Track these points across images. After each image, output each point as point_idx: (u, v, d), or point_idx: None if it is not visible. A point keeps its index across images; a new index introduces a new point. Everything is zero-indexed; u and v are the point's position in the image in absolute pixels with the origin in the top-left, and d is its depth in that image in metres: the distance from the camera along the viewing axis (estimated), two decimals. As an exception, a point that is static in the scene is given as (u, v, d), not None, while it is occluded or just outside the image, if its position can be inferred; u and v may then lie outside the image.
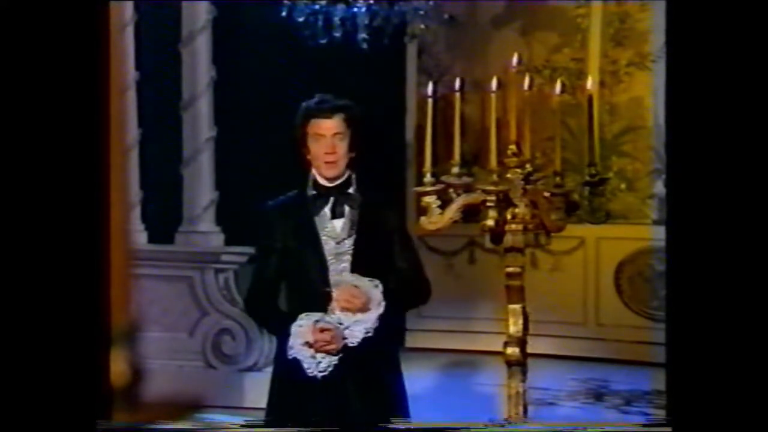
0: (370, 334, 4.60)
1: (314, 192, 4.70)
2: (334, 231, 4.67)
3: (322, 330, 4.56)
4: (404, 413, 4.68)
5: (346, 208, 4.68)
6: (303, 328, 4.59)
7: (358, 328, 4.60)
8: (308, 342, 4.57)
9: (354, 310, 4.58)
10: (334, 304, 4.60)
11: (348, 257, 4.66)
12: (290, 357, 4.61)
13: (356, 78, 8.68)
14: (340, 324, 4.59)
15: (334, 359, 4.59)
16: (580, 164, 4.35)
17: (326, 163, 4.65)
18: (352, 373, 4.62)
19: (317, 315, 4.59)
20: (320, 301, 4.63)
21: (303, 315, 4.60)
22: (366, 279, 4.62)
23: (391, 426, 4.35)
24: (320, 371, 4.60)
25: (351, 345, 4.59)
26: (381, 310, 4.60)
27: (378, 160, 5.46)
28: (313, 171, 4.70)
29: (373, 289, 4.61)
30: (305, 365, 4.59)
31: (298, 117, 4.70)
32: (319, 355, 4.58)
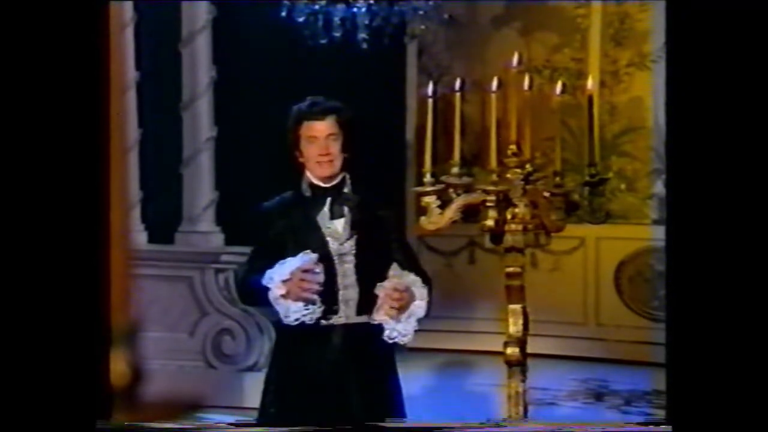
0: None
1: (310, 193, 4.70)
2: (336, 231, 4.67)
3: (306, 270, 4.52)
4: (400, 413, 4.68)
5: (345, 209, 4.69)
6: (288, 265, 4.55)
7: (410, 322, 4.58)
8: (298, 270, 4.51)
9: (401, 308, 4.55)
10: (380, 312, 4.59)
11: (351, 258, 4.66)
12: (273, 301, 4.54)
13: (356, 78, 8.68)
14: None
15: (321, 307, 4.55)
16: (580, 164, 4.35)
17: (319, 163, 4.65)
18: (349, 372, 4.62)
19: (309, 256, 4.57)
20: (329, 301, 4.62)
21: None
22: (404, 272, 4.61)
23: (388, 426, 4.36)
24: (311, 320, 4.55)
25: (401, 342, 4.58)
26: (426, 295, 4.59)
27: (373, 160, 5.46)
28: (307, 174, 4.71)
29: (414, 279, 4.60)
30: (293, 313, 4.53)
31: (290, 121, 4.71)
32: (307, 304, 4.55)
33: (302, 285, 4.51)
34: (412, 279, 4.62)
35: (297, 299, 4.52)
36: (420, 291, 4.61)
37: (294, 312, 4.54)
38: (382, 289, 4.57)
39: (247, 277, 4.69)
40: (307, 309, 4.55)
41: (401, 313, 4.56)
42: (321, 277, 4.55)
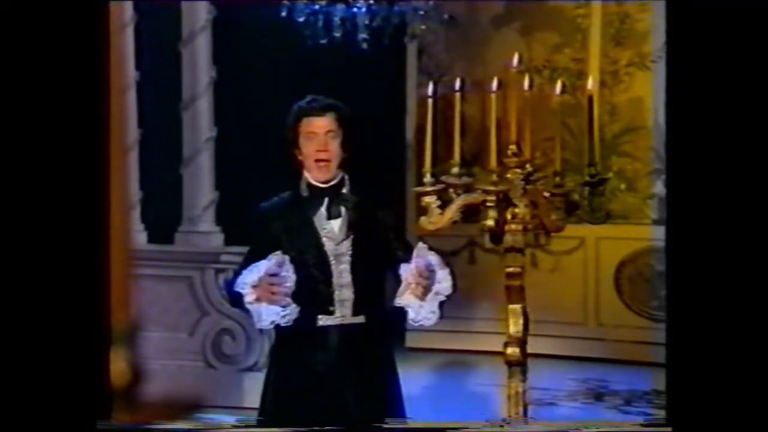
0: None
1: (308, 193, 4.69)
2: (333, 232, 4.66)
3: (274, 274, 4.50)
4: (399, 413, 4.67)
5: (342, 209, 4.68)
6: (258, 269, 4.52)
7: (435, 303, 4.53)
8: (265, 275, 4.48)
9: (425, 286, 4.50)
10: (406, 293, 4.54)
11: (347, 258, 4.65)
12: (247, 307, 4.52)
13: (356, 78, 8.68)
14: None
15: (297, 308, 4.52)
16: (580, 164, 4.34)
17: (317, 161, 4.64)
18: (347, 372, 4.62)
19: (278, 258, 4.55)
20: (323, 301, 4.62)
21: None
22: (429, 252, 4.56)
23: (389, 426, 4.35)
24: (288, 321, 4.52)
25: (427, 325, 4.54)
26: (448, 274, 4.55)
27: (373, 160, 5.46)
28: (305, 173, 4.70)
29: (437, 259, 4.57)
30: (266, 317, 4.51)
31: (290, 117, 4.71)
32: (285, 307, 4.52)
33: (271, 289, 4.50)
34: (435, 259, 4.59)
35: (269, 303, 4.51)
36: (442, 270, 4.57)
37: (267, 316, 4.52)
38: (408, 271, 4.53)
39: (232, 281, 4.68)
40: (284, 310, 4.53)
41: (426, 293, 4.53)
42: (291, 278, 4.52)
